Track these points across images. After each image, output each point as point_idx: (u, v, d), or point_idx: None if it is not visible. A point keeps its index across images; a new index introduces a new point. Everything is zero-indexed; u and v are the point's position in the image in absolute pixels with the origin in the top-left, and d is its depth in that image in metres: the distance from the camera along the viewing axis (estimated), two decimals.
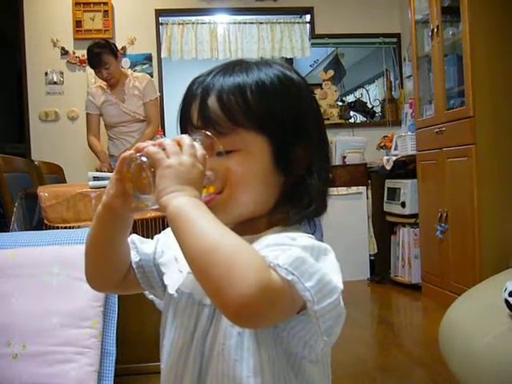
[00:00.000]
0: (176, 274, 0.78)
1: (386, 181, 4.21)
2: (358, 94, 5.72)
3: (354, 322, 3.07)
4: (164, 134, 4.20)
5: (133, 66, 4.66)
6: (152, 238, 0.88)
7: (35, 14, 4.69)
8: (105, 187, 0.75)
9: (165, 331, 0.80)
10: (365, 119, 5.26)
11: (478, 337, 1.61)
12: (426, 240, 3.71)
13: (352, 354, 2.59)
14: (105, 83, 3.74)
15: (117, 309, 1.83)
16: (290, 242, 0.68)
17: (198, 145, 0.70)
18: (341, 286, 0.66)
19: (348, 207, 4.20)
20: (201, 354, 0.73)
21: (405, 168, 4.03)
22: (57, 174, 3.66)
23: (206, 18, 4.91)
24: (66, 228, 2.27)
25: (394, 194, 4.08)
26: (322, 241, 0.72)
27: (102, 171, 3.53)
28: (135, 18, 4.81)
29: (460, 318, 1.84)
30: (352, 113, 5.17)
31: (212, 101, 0.74)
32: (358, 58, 5.79)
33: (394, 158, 4.07)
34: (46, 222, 2.32)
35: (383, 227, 4.23)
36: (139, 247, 0.85)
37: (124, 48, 4.74)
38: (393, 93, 5.16)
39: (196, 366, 0.73)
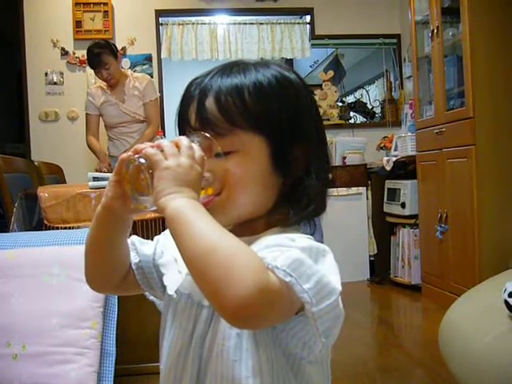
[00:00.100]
0: (175, 275, 0.78)
1: (386, 181, 4.21)
2: (358, 94, 5.72)
3: (353, 322, 3.08)
4: (164, 135, 4.20)
5: (133, 66, 4.66)
6: (152, 239, 0.88)
7: (35, 14, 4.69)
8: (105, 188, 0.75)
9: (164, 332, 0.80)
10: (365, 120, 5.26)
11: (478, 337, 1.61)
12: (425, 241, 3.71)
13: (352, 355, 2.59)
14: (105, 84, 3.74)
15: (117, 309, 1.84)
16: (288, 243, 0.68)
17: (196, 146, 0.70)
18: (339, 287, 0.66)
19: (348, 208, 4.20)
20: (200, 355, 0.73)
21: (405, 169, 4.03)
22: (57, 175, 3.67)
23: (206, 19, 4.92)
24: (65, 228, 2.27)
25: (393, 194, 4.08)
26: (322, 241, 0.72)
27: (101, 171, 3.53)
28: (135, 18, 4.81)
29: (460, 319, 1.84)
30: (352, 113, 5.17)
31: (210, 102, 0.74)
32: (357, 58, 5.79)
33: (394, 159, 4.07)
34: (45, 222, 2.32)
35: (383, 228, 4.23)
36: (139, 248, 0.85)
37: (124, 48, 4.74)
38: (393, 93, 5.17)
39: (195, 367, 0.73)
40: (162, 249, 0.84)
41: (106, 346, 1.78)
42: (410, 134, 4.09)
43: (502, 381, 1.44)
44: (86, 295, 1.72)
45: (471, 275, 3.06)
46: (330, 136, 4.45)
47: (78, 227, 2.26)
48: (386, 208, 4.19)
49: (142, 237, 0.88)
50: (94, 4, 4.71)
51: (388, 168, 4.07)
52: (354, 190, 4.28)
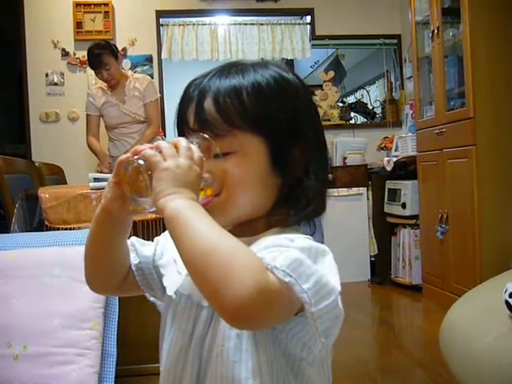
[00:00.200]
0: (175, 276, 0.78)
1: (387, 182, 4.21)
2: (358, 95, 5.72)
3: (354, 322, 3.07)
4: (164, 135, 4.20)
5: (133, 67, 4.66)
6: (152, 240, 0.88)
7: (35, 14, 4.69)
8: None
9: (164, 333, 0.80)
10: (365, 120, 5.26)
11: (479, 338, 1.61)
12: (426, 241, 3.71)
13: (352, 355, 2.59)
14: (105, 84, 3.75)
15: (117, 310, 1.84)
16: (288, 244, 0.68)
17: (194, 147, 0.70)
18: (338, 287, 0.66)
19: (348, 208, 4.20)
20: (199, 356, 0.73)
21: (405, 169, 4.03)
22: (57, 175, 3.67)
23: (206, 19, 4.91)
24: (66, 229, 2.27)
25: (394, 195, 4.08)
26: (322, 242, 0.72)
27: (102, 172, 3.53)
28: (136, 19, 4.81)
29: (460, 319, 1.84)
30: (352, 114, 5.17)
31: (208, 103, 0.75)
32: (358, 59, 5.79)
33: (395, 159, 4.07)
34: (46, 223, 2.32)
35: (384, 228, 4.23)
36: (139, 250, 0.85)
37: (124, 49, 4.74)
38: (393, 94, 5.16)
39: (195, 368, 0.73)
40: (161, 250, 0.84)
41: (107, 347, 1.78)
42: (410, 134, 4.09)
43: (502, 381, 1.44)
44: (86, 296, 1.72)
45: (472, 275, 3.06)
46: (330, 136, 4.45)
47: (79, 228, 2.26)
48: (387, 208, 4.19)
49: (143, 238, 0.89)
50: (95, 5, 4.71)
51: (388, 168, 4.07)
52: (354, 190, 4.28)
